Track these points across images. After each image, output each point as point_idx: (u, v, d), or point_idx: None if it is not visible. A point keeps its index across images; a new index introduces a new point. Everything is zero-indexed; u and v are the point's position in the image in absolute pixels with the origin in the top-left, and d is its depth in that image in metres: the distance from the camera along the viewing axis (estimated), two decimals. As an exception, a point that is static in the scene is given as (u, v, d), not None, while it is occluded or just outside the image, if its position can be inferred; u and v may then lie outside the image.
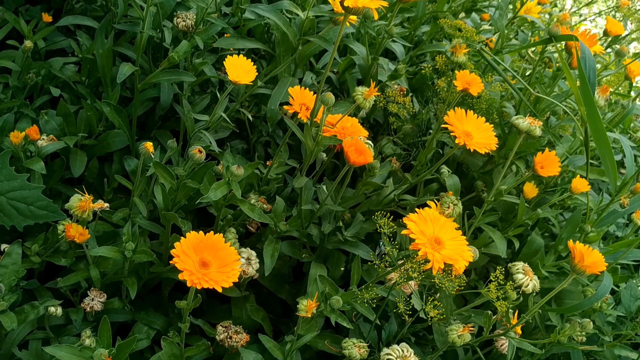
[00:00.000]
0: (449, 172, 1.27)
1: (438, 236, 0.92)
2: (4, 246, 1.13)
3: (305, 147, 1.03)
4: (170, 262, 0.80)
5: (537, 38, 1.75)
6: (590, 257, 0.92)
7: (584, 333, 1.03)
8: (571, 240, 0.94)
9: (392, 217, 1.02)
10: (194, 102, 1.30)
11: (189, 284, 0.79)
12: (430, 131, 1.32)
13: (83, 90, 1.34)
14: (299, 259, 1.21)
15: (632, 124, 2.15)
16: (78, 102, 1.38)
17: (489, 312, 1.06)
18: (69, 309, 1.15)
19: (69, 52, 1.55)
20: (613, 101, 1.56)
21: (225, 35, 1.38)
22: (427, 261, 0.88)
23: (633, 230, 1.48)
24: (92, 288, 1.11)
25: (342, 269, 1.27)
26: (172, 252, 0.80)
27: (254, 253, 1.14)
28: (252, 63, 1.03)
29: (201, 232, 0.84)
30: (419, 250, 0.88)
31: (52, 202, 1.11)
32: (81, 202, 0.98)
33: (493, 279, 0.95)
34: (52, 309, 1.07)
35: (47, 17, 1.49)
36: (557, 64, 1.33)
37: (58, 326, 1.15)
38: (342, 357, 1.09)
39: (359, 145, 1.03)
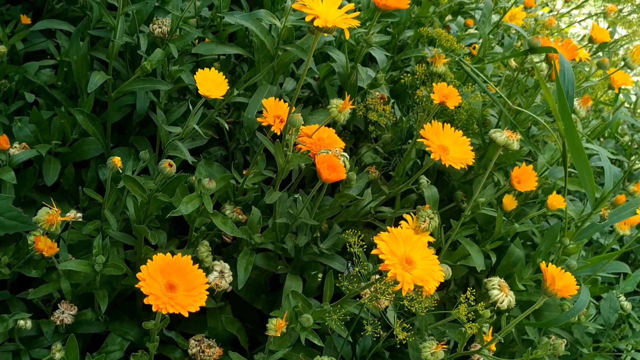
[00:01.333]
0: (427, 182, 1.26)
1: (409, 256, 0.91)
2: (-27, 257, 1.12)
3: (276, 159, 1.02)
4: (136, 285, 0.79)
5: (522, 41, 1.74)
6: (561, 281, 0.91)
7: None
8: (543, 262, 0.92)
9: (366, 231, 1.01)
10: (171, 109, 1.28)
11: (154, 309, 0.78)
12: (410, 142, 1.31)
13: (59, 95, 1.32)
14: (275, 271, 1.20)
15: (619, 128, 2.14)
16: (54, 107, 1.36)
17: (463, 329, 1.05)
18: (41, 320, 1.14)
19: (49, 54, 1.53)
20: (598, 108, 1.55)
21: (206, 40, 1.36)
22: (397, 282, 0.87)
23: (615, 239, 1.47)
24: (63, 301, 1.10)
25: (319, 279, 1.26)
26: (138, 275, 0.79)
27: (227, 266, 1.12)
28: (224, 76, 1.01)
29: (169, 254, 0.83)
30: (389, 270, 0.87)
31: (22, 213, 1.10)
32: (49, 215, 0.97)
33: (463, 300, 0.94)
34: (21, 322, 1.06)
35: (25, 19, 1.47)
36: (535, 69, 1.32)
37: (29, 338, 1.14)
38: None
39: (331, 162, 1.01)
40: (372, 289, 0.94)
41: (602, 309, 1.34)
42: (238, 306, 1.30)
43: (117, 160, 0.95)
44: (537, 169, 1.36)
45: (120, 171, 0.97)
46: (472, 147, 1.10)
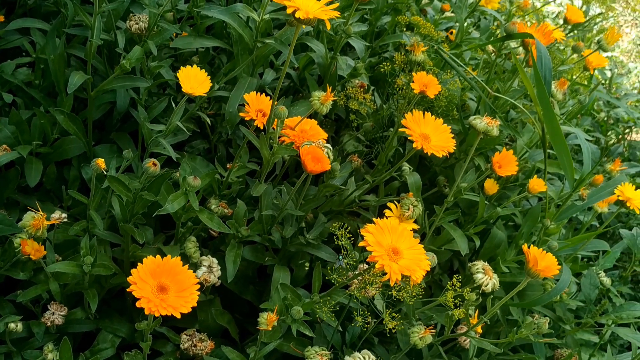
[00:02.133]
0: (410, 169, 1.28)
1: (396, 246, 0.93)
2: (-41, 262, 1.12)
3: (261, 153, 1.02)
4: (128, 289, 0.79)
5: (498, 23, 1.75)
6: (543, 261, 0.93)
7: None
8: (525, 244, 0.95)
9: (350, 218, 1.02)
10: (152, 105, 1.28)
11: (146, 312, 0.79)
12: (392, 129, 1.32)
13: (37, 94, 1.31)
14: (262, 262, 1.21)
15: (594, 104, 2.17)
16: (32, 107, 1.35)
17: (449, 312, 1.07)
18: (31, 321, 1.14)
19: (24, 51, 1.51)
20: (574, 88, 1.57)
21: (183, 33, 1.35)
22: (385, 273, 0.89)
23: (594, 216, 1.50)
24: (53, 302, 1.10)
25: (307, 267, 1.28)
26: (129, 279, 0.80)
27: (215, 260, 1.13)
28: (206, 73, 1.01)
29: (158, 256, 0.83)
30: (376, 262, 0.89)
31: (7, 216, 1.09)
32: (34, 220, 0.97)
33: (449, 287, 0.96)
34: (12, 325, 1.06)
35: (-1, 17, 1.45)
36: (513, 55, 1.33)
37: (20, 339, 1.14)
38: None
39: (316, 153, 1.02)
40: (360, 279, 0.96)
41: (582, 286, 1.38)
42: (227, 298, 1.31)
43: (100, 162, 0.95)
44: (517, 152, 1.39)
45: (105, 172, 0.97)
46: (452, 135, 1.11)
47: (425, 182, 1.40)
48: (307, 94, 1.53)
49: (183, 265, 1.16)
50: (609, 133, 2.11)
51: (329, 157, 1.10)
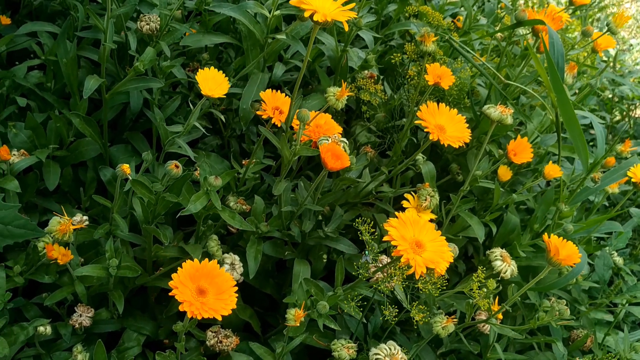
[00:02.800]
0: (423, 158, 1.29)
1: (419, 239, 0.94)
2: (-16, 267, 1.13)
3: (281, 153, 1.03)
4: (170, 294, 0.81)
5: (503, 5, 1.75)
6: (564, 250, 0.95)
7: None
8: (546, 234, 0.96)
9: (365, 209, 1.03)
10: (165, 105, 1.29)
11: (189, 315, 0.81)
12: (404, 120, 1.33)
13: (50, 97, 1.31)
14: (282, 257, 1.23)
15: (599, 83, 2.17)
16: (46, 109, 1.35)
17: (471, 301, 1.09)
18: (57, 323, 1.15)
19: (31, 52, 1.51)
20: (581, 70, 1.57)
21: (192, 30, 1.35)
22: (410, 266, 0.90)
23: (604, 197, 1.52)
24: (79, 304, 1.12)
25: (325, 260, 1.29)
26: (171, 283, 0.82)
27: (237, 258, 1.15)
28: (224, 75, 1.02)
29: (196, 260, 0.86)
30: (401, 256, 0.90)
31: (29, 221, 1.10)
32: (60, 225, 0.98)
33: (474, 279, 0.98)
34: (41, 328, 1.08)
35: (5, 20, 1.44)
36: (525, 43, 1.34)
37: (47, 341, 1.16)
38: (329, 351, 1.12)
39: (335, 150, 1.03)
40: (384, 272, 0.97)
41: (596, 267, 1.40)
42: (247, 292, 1.33)
43: (126, 168, 0.96)
44: (528, 137, 1.40)
45: (130, 177, 0.98)
46: (467, 125, 1.12)
47: (437, 169, 1.41)
48: (317, 86, 1.53)
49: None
50: (614, 111, 2.12)
51: (345, 151, 1.11)
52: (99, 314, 1.18)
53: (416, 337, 1.26)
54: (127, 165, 0.96)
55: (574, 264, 0.99)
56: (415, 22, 1.49)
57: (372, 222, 0.98)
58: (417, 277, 0.91)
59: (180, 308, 0.81)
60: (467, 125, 1.12)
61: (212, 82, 1.00)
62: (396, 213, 0.95)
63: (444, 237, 0.96)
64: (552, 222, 1.26)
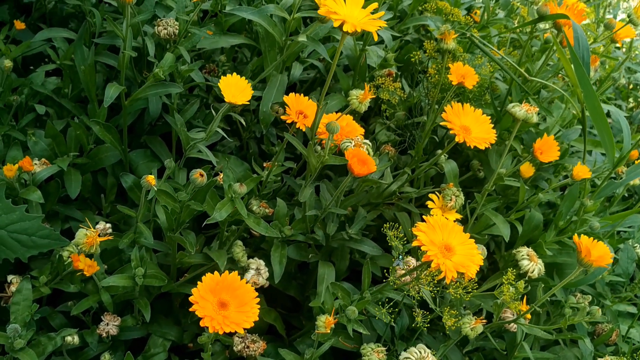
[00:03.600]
0: (445, 156, 1.28)
1: (448, 242, 0.93)
2: (10, 277, 1.13)
3: (308, 161, 1.02)
4: (190, 309, 0.81)
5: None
6: (595, 251, 0.94)
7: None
8: (576, 235, 0.95)
9: (386, 207, 1.02)
10: (184, 109, 1.28)
11: (210, 330, 0.80)
12: (424, 117, 1.31)
13: (68, 104, 1.31)
14: (306, 260, 1.22)
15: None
16: (63, 115, 1.35)
17: (498, 301, 1.08)
18: (83, 330, 1.16)
19: (46, 56, 1.50)
20: (600, 60, 1.56)
21: (208, 32, 1.34)
22: (440, 271, 0.90)
23: (625, 188, 1.51)
24: (106, 313, 1.12)
25: (347, 261, 1.29)
26: (191, 299, 0.81)
27: (262, 262, 1.14)
28: (246, 81, 1.01)
29: (216, 273, 0.84)
30: (431, 261, 0.90)
31: (53, 230, 1.10)
32: (87, 238, 0.98)
33: (505, 281, 0.97)
34: (69, 338, 1.08)
35: (19, 25, 1.44)
36: (545, 36, 1.32)
37: (74, 349, 1.16)
38: (354, 352, 1.12)
39: (361, 155, 1.02)
40: (413, 276, 0.97)
41: (620, 260, 1.39)
42: (270, 294, 1.32)
43: (151, 180, 0.95)
44: (549, 131, 1.38)
45: (155, 188, 0.97)
46: (492, 125, 1.11)
47: (458, 165, 1.40)
48: (334, 84, 1.52)
49: (231, 269, 1.18)
50: (629, 99, 2.10)
51: (368, 153, 1.10)
52: (124, 321, 1.18)
53: (441, 337, 1.25)
54: (152, 176, 0.95)
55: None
56: (431, 16, 1.47)
57: (399, 227, 0.98)
58: (447, 282, 0.90)
59: (202, 323, 0.80)
60: (492, 125, 1.11)
61: (235, 89, 0.99)
62: (424, 217, 0.95)
63: (473, 240, 0.95)
64: (577, 218, 1.25)
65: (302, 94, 1.14)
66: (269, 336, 1.28)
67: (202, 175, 0.98)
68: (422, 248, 0.90)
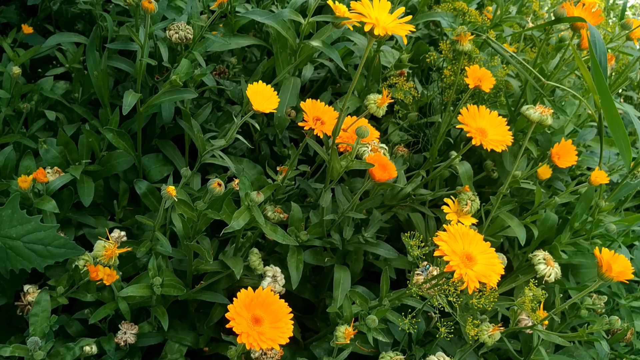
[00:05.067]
0: (459, 158, 1.27)
1: (469, 252, 0.93)
2: (27, 287, 1.13)
3: (329, 167, 1.02)
4: (227, 325, 0.81)
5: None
6: (616, 265, 0.93)
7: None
8: (597, 248, 0.95)
9: (399, 208, 1.02)
10: (197, 113, 1.27)
11: (248, 347, 0.81)
12: (437, 117, 1.31)
13: (78, 109, 1.30)
14: (322, 264, 1.22)
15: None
16: (74, 120, 1.34)
17: (515, 307, 1.08)
18: (100, 338, 1.16)
19: (54, 57, 1.49)
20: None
21: (213, 32, 1.33)
22: (462, 281, 0.89)
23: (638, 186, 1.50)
24: (123, 322, 1.12)
25: (362, 263, 1.28)
26: (227, 315, 0.82)
27: (278, 270, 1.14)
28: (272, 89, 1.00)
29: (250, 289, 0.85)
30: (453, 271, 0.89)
31: (69, 240, 1.10)
32: (106, 250, 0.97)
33: (527, 293, 0.97)
34: (87, 348, 1.08)
35: (27, 29, 1.42)
36: (560, 35, 1.31)
37: (92, 357, 1.16)
38: (371, 356, 1.12)
39: (381, 161, 1.02)
40: (433, 284, 0.97)
41: (635, 258, 1.39)
42: (284, 297, 1.32)
43: (171, 191, 0.94)
44: (563, 129, 1.38)
45: (175, 199, 0.96)
46: (508, 127, 1.10)
47: (471, 164, 1.39)
48: (344, 84, 1.51)
49: (247, 276, 1.18)
50: (640, 91, 2.08)
51: (385, 156, 1.10)
52: (141, 328, 1.17)
53: (457, 339, 1.25)
54: (173, 187, 0.94)
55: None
56: (440, 11, 1.45)
57: (420, 235, 0.97)
58: (469, 292, 0.90)
59: (239, 340, 0.80)
60: (509, 127, 1.10)
61: (261, 97, 0.98)
62: (445, 226, 0.94)
63: (494, 249, 0.95)
64: (593, 219, 1.25)
65: (313, 95, 1.13)
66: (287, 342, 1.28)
67: (220, 185, 0.97)
68: (444, 258, 0.90)
